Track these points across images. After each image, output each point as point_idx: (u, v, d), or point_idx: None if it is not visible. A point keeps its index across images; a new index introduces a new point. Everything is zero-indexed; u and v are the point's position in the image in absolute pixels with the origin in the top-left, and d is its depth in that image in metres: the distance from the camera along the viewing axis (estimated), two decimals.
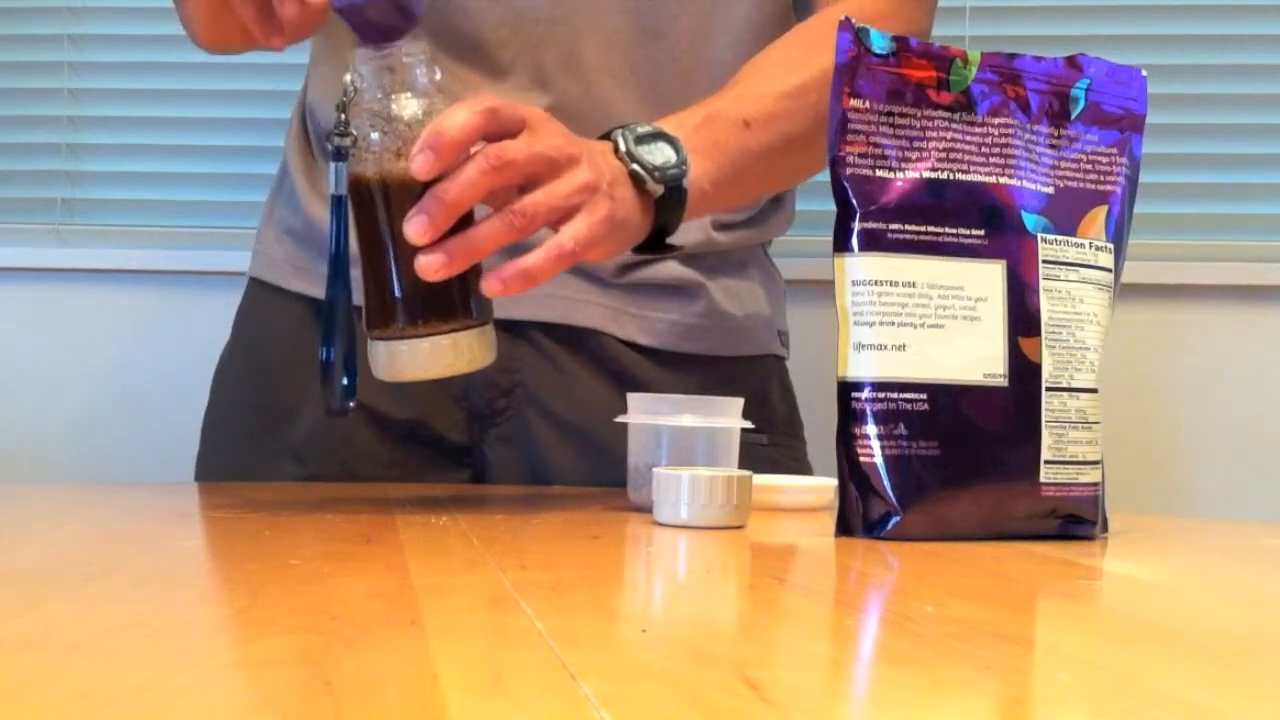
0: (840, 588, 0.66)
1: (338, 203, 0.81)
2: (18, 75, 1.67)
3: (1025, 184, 0.82)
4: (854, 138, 0.79)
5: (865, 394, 0.77)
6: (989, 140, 0.82)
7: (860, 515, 0.77)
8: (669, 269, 1.07)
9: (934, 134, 0.81)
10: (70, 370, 1.61)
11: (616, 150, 0.86)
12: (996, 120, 0.82)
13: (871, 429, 0.77)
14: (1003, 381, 0.79)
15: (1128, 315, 1.34)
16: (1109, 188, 0.85)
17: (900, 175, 0.80)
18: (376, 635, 0.45)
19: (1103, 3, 1.60)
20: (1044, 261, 0.81)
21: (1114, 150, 0.85)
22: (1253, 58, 1.59)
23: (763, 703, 0.37)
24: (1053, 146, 0.83)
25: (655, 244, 0.89)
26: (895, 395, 0.77)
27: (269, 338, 1.12)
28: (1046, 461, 0.79)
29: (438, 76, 0.82)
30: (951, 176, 0.80)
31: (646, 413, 0.89)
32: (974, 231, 0.80)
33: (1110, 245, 0.84)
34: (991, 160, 0.81)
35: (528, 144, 0.80)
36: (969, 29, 1.58)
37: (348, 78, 0.80)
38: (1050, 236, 0.82)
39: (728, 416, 0.89)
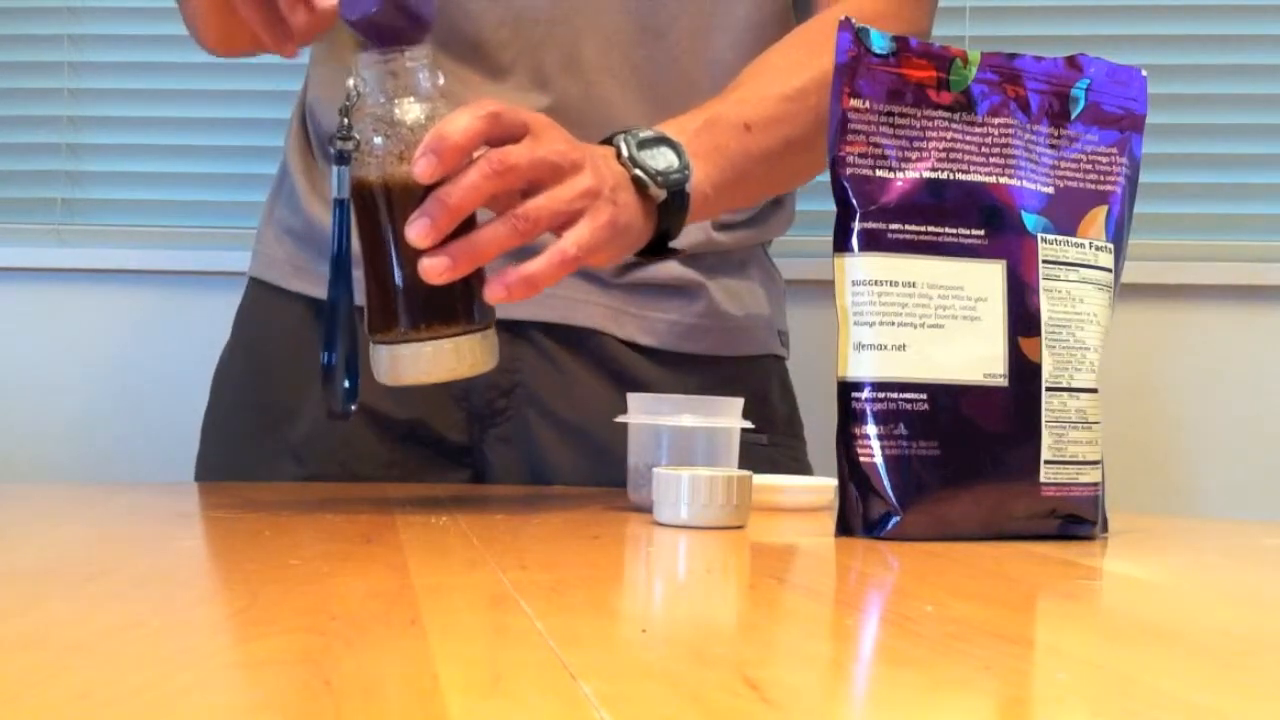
0: (840, 588, 0.66)
1: (340, 206, 0.81)
2: (18, 75, 1.67)
3: (1025, 184, 0.82)
4: (854, 138, 0.79)
5: (865, 394, 0.77)
6: (989, 140, 0.82)
7: (860, 515, 0.77)
8: (669, 269, 1.07)
9: (934, 134, 0.81)
10: (70, 370, 1.61)
11: (619, 155, 0.86)
12: (996, 120, 0.82)
13: (871, 429, 0.77)
14: (1003, 381, 0.79)
15: (1128, 315, 1.34)
16: (1109, 188, 0.85)
17: (900, 175, 0.80)
18: (376, 635, 0.45)
19: (1103, 3, 1.60)
20: (1044, 261, 0.81)
21: (1114, 150, 0.85)
22: (1253, 58, 1.59)
23: (763, 703, 0.37)
24: (1053, 146, 0.83)
25: (657, 248, 0.89)
26: (895, 395, 0.77)
27: (269, 338, 1.12)
28: (1046, 461, 0.79)
29: (440, 81, 0.82)
30: (951, 176, 0.80)
31: (646, 413, 0.89)
32: (974, 231, 0.80)
33: (1110, 245, 0.84)
34: (991, 160, 0.81)
35: (530, 149, 0.80)
36: (969, 29, 1.58)
37: (350, 82, 0.80)
38: (1050, 236, 0.82)
39: (728, 416, 0.89)
